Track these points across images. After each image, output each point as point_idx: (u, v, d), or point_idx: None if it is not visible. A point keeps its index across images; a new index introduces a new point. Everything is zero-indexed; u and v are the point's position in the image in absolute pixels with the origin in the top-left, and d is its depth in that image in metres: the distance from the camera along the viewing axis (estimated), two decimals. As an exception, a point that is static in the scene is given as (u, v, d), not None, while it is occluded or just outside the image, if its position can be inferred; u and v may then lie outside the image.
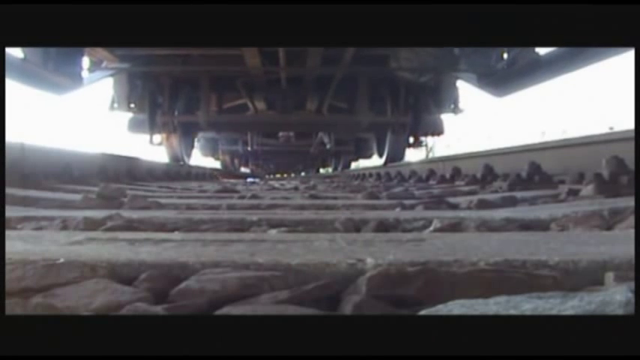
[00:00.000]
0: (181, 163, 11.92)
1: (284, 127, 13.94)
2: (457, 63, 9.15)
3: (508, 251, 1.14)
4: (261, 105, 12.55)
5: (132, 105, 11.35)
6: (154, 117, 11.46)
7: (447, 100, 11.47)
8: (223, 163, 20.17)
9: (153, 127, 11.55)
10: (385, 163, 11.96)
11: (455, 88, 11.24)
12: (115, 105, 11.32)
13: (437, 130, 12.22)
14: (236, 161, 21.65)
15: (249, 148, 17.86)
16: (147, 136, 11.90)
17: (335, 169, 20.54)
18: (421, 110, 11.77)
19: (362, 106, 11.54)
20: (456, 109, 11.50)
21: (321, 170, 23.62)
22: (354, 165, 19.54)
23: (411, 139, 12.53)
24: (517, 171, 4.35)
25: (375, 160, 19.29)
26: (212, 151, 18.81)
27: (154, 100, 11.50)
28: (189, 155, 13.02)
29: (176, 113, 11.79)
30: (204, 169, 13.82)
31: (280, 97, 11.87)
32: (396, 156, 12.20)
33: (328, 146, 16.95)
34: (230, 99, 12.68)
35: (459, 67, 9.25)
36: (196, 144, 17.28)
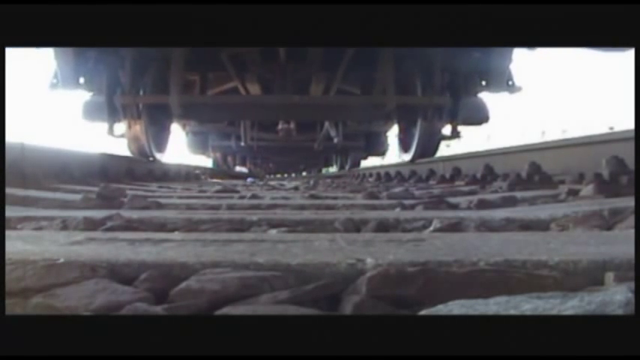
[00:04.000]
0: (150, 159, 9.21)
1: (283, 113, 10.30)
2: None
3: (508, 251, 1.14)
4: (254, 88, 9.94)
5: (82, 80, 8.23)
6: (114, 98, 8.47)
7: (499, 73, 8.17)
8: (215, 161, 17.61)
9: (113, 113, 8.54)
10: (413, 160, 9.12)
11: (509, 58, 8.05)
12: (58, 81, 8.01)
13: (480, 117, 8.92)
14: (229, 159, 19.03)
15: (242, 144, 14.48)
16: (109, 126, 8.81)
17: (341, 167, 18.14)
18: (461, 89, 8.59)
19: (386, 83, 8.43)
20: (512, 87, 8.30)
21: (323, 170, 22.04)
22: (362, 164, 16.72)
23: (444, 130, 9.16)
24: (517, 171, 4.36)
25: (382, 159, 18.42)
26: (202, 147, 16.12)
27: (114, 76, 8.43)
28: (161, 150, 9.95)
29: (142, 93, 8.74)
30: (187, 167, 11.42)
31: (279, 76, 9.06)
32: (427, 150, 9.02)
33: (335, 140, 13.53)
34: (216, 82, 10.21)
35: None
36: (185, 139, 15.32)
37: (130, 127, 8.71)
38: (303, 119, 12.52)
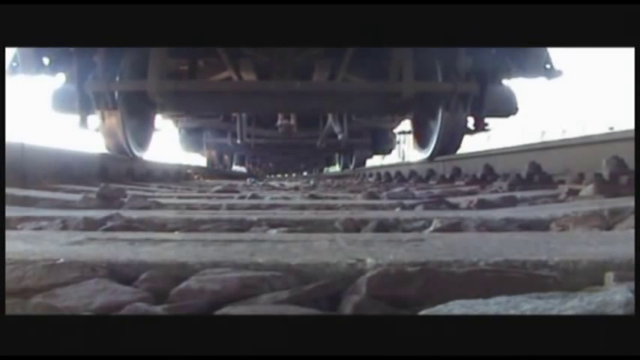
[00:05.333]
0: (130, 156, 8.01)
1: (282, 103, 8.48)
2: None
3: (508, 251, 1.14)
4: (251, 78, 8.70)
5: (45, 60, 7.03)
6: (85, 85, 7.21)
7: (534, 55, 7.03)
8: (209, 160, 16.27)
9: (85, 102, 7.28)
10: (432, 157, 7.86)
11: None
12: (18, 64, 6.89)
13: (509, 108, 7.62)
14: (226, 158, 17.78)
15: (238, 141, 13.04)
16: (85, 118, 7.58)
17: (345, 167, 17.16)
18: (488, 75, 7.30)
19: (402, 67, 7.17)
20: (551, 71, 7.08)
21: (325, 169, 21.35)
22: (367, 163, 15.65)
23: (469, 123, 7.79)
24: (517, 171, 4.36)
25: (383, 158, 17.91)
26: (196, 145, 14.81)
27: (86, 59, 7.15)
28: (142, 146, 8.57)
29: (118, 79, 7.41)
30: (172, 166, 10.17)
31: (277, 63, 7.78)
32: (450, 145, 7.72)
33: (340, 137, 11.94)
34: (207, 71, 8.94)
35: None
36: (177, 135, 14.37)
37: (103, 118, 7.49)
38: (306, 110, 10.64)
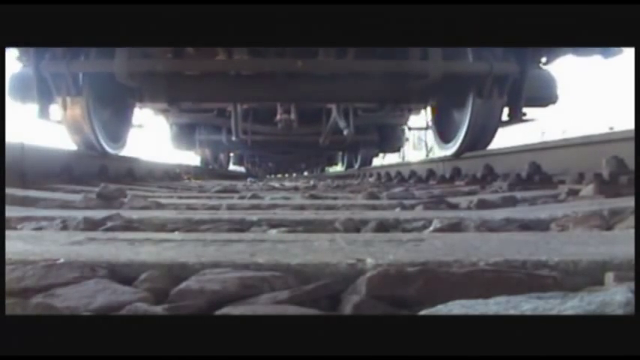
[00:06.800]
0: (100, 151, 6.81)
1: (282, 88, 7.03)
2: None
3: (508, 251, 1.14)
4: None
5: None
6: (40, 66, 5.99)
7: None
8: (203, 159, 14.95)
9: (44, 88, 6.06)
10: (458, 154, 6.73)
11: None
12: None
13: (549, 95, 6.39)
14: (221, 157, 16.44)
15: (233, 138, 11.30)
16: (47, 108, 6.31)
17: (349, 166, 16.01)
18: (528, 54, 6.06)
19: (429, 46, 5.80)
20: (609, 48, 5.83)
21: (326, 169, 20.90)
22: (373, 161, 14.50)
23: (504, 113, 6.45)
24: (517, 171, 4.36)
25: (383, 158, 17.45)
26: (188, 142, 13.38)
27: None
28: (116, 140, 7.32)
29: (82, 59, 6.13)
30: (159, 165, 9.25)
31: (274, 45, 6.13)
32: (481, 138, 6.51)
33: (345, 132, 10.26)
34: (198, 58, 7.29)
35: None
36: (169, 132, 13.17)
37: (65, 107, 6.19)
38: (309, 98, 8.48)
